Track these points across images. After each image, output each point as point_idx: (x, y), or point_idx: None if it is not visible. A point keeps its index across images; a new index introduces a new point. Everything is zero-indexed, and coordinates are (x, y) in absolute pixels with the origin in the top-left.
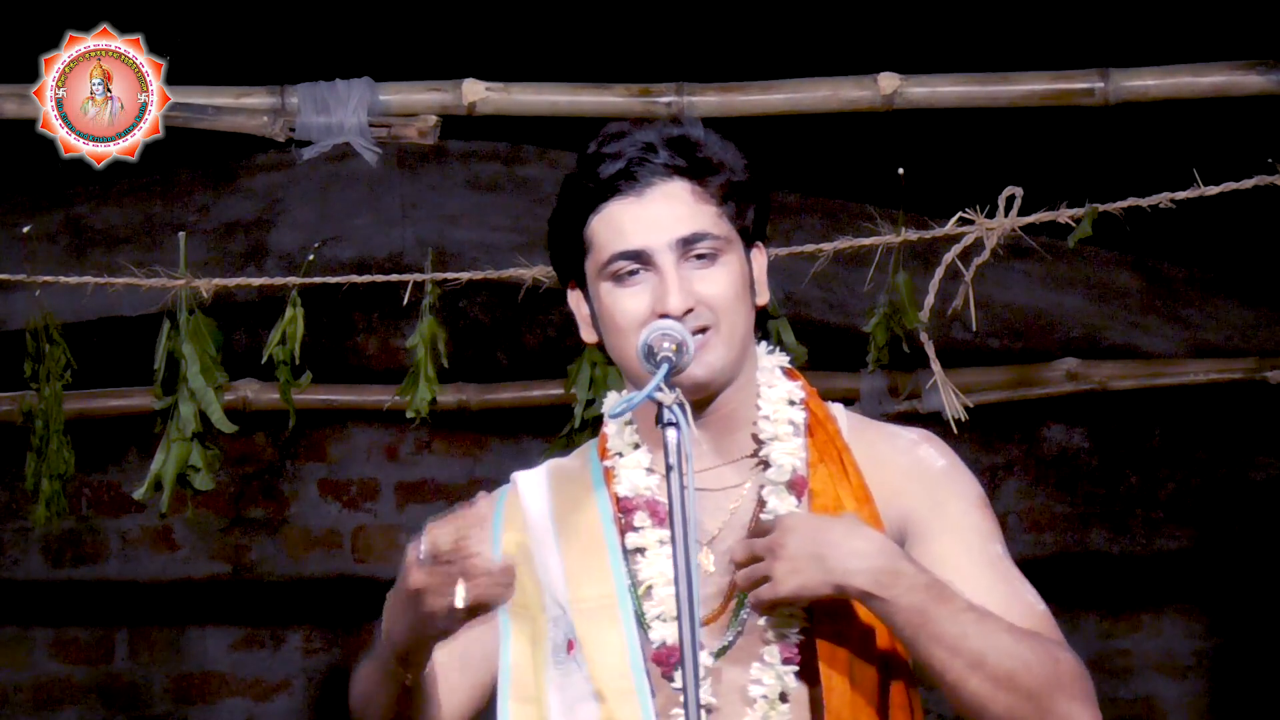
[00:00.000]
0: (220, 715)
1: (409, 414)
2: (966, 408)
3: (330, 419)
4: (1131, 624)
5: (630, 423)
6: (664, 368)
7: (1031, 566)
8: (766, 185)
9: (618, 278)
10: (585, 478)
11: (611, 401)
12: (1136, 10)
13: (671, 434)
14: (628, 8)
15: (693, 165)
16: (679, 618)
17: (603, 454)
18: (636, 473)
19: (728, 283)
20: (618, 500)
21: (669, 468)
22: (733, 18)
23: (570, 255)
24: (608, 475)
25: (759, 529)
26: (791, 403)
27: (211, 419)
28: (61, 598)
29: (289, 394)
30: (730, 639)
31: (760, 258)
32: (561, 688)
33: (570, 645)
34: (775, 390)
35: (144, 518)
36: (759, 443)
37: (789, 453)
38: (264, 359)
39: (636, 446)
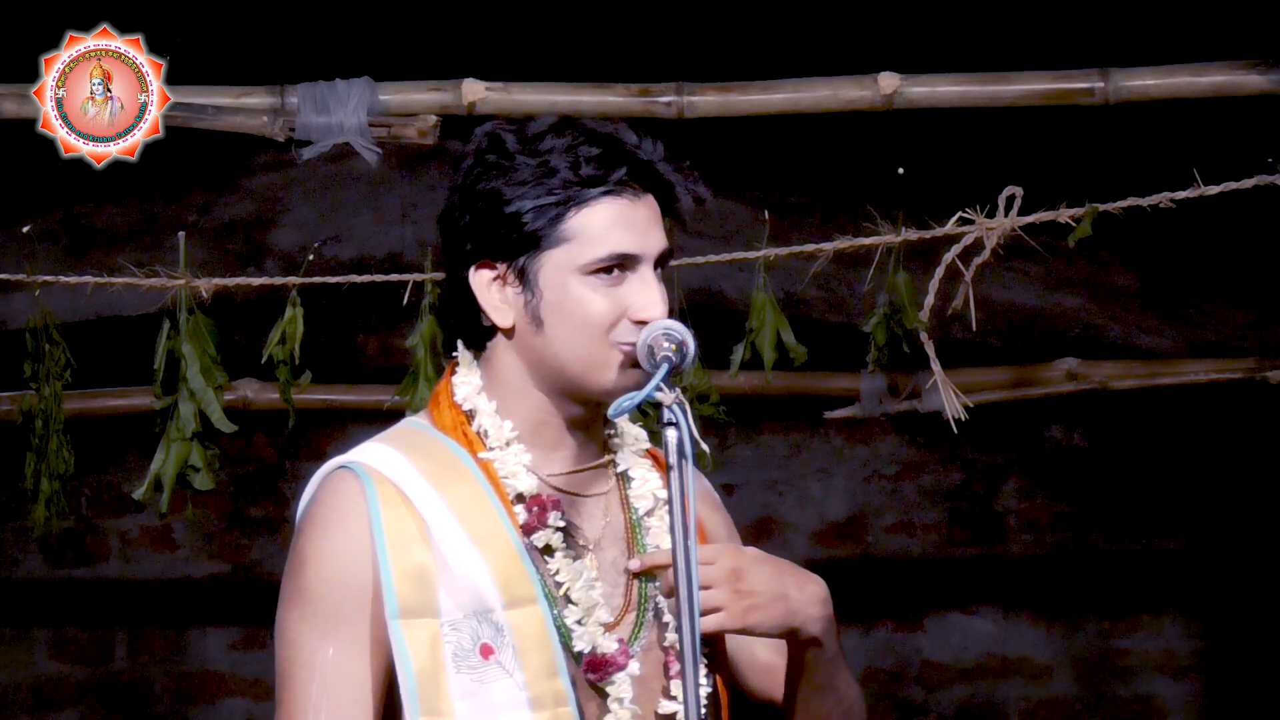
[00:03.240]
0: (220, 715)
1: (409, 414)
2: (966, 408)
3: (330, 419)
4: (1131, 624)
5: (500, 414)
6: (664, 367)
7: (1031, 566)
8: None
9: (599, 275)
10: (460, 468)
11: (459, 384)
12: (1136, 10)
13: (671, 434)
14: (628, 8)
15: (660, 187)
16: (679, 619)
17: (469, 445)
18: (520, 469)
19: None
20: (506, 495)
21: (669, 467)
22: (733, 18)
23: (512, 236)
24: (486, 468)
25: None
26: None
27: (211, 419)
28: (61, 598)
29: (289, 394)
30: (634, 650)
31: None
32: (472, 695)
33: (487, 650)
34: None
35: (144, 518)
36: (610, 451)
37: (651, 469)
38: (264, 359)
39: (509, 444)
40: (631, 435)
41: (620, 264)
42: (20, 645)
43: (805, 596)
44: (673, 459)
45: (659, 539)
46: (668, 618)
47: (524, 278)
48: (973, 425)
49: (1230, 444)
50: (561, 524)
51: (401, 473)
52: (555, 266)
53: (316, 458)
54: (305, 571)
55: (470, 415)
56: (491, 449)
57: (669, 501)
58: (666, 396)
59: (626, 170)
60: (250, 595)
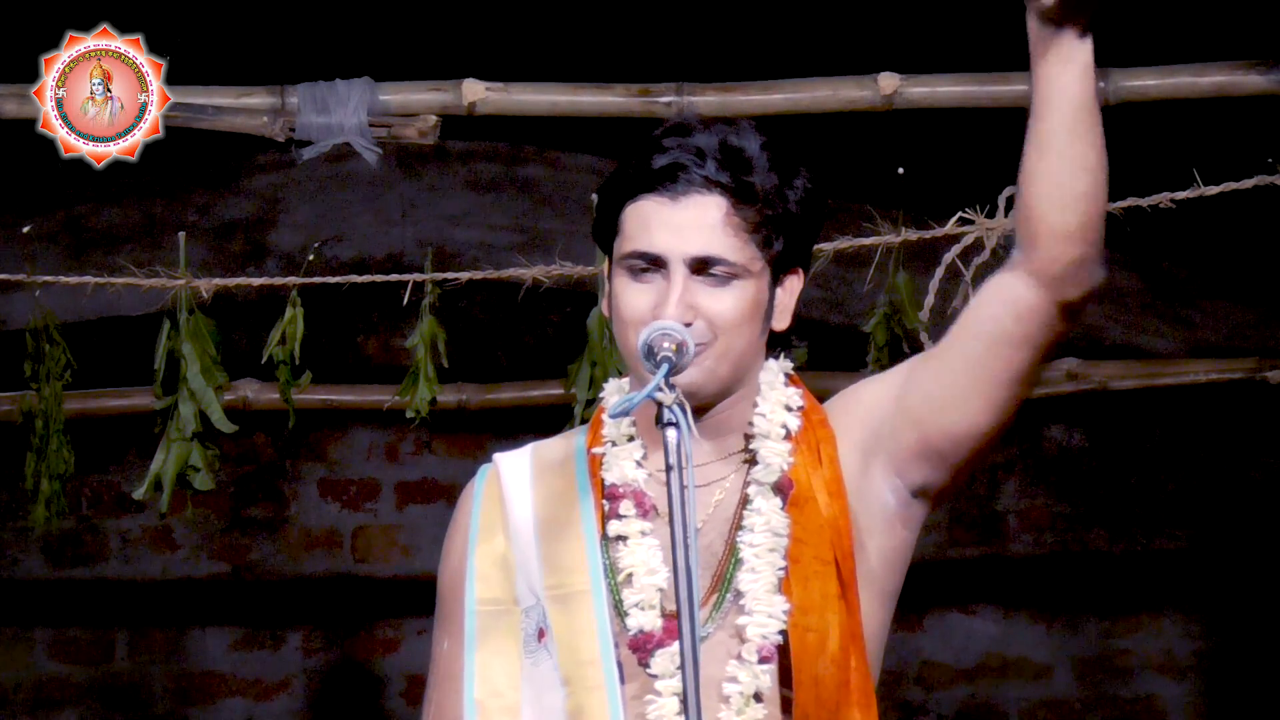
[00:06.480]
0: (220, 715)
1: (409, 414)
2: None
3: (330, 419)
4: (1131, 624)
5: (627, 414)
6: (664, 367)
7: (1031, 566)
8: (817, 214)
9: (632, 271)
10: (569, 465)
11: (610, 391)
12: (1136, 10)
13: (671, 434)
14: (628, 8)
15: (736, 186)
16: (679, 617)
17: (593, 442)
18: (627, 463)
19: (733, 307)
20: (602, 488)
21: (669, 467)
22: (733, 18)
23: (606, 230)
24: (594, 463)
25: None
26: (789, 408)
27: (211, 419)
28: (61, 598)
29: (289, 394)
30: (708, 631)
31: (795, 284)
32: (531, 679)
33: (541, 634)
34: (775, 394)
35: (144, 518)
36: (749, 439)
37: (777, 454)
38: (264, 359)
39: (631, 439)
40: (775, 422)
41: (653, 262)
42: (20, 645)
43: None
44: (673, 459)
45: (753, 520)
46: (744, 600)
47: (611, 269)
48: None
49: (1230, 444)
50: (632, 513)
51: (513, 469)
52: (614, 259)
53: (316, 458)
54: (438, 571)
55: None
56: (604, 444)
57: (669, 501)
58: (666, 396)
59: (666, 165)
60: (250, 595)
